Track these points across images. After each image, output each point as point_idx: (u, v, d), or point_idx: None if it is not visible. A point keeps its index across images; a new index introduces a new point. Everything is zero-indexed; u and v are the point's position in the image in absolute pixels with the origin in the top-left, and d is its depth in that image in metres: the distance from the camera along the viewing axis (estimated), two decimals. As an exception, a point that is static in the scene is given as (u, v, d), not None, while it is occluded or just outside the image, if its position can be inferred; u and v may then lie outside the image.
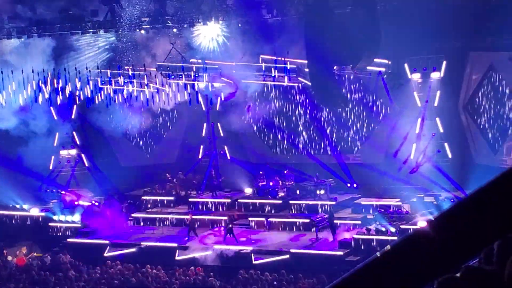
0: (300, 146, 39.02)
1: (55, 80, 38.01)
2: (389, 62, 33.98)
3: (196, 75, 37.51)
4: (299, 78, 35.97)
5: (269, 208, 35.17)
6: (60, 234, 35.83)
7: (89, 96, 38.81)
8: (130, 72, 38.16)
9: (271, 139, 40.06)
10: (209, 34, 36.59)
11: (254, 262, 30.57)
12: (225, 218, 34.33)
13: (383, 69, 34.05)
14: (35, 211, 37.34)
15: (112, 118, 39.82)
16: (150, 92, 38.39)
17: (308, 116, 38.44)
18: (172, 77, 37.77)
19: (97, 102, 39.21)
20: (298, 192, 35.83)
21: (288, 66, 35.28)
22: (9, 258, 33.60)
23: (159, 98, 38.57)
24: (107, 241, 33.90)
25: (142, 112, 39.70)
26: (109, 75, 38.46)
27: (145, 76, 37.80)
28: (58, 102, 39.27)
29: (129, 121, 39.99)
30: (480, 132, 34.57)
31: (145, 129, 41.23)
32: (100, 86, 38.63)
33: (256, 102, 38.65)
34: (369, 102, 36.60)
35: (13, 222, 37.41)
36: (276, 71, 35.77)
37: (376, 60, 33.15)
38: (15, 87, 37.78)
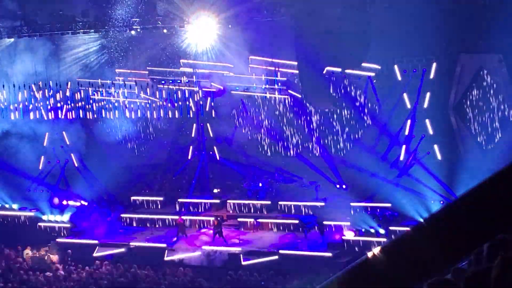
0: (290, 147, 38.98)
1: (46, 84, 38.00)
2: (379, 67, 34.02)
3: (187, 81, 37.60)
4: (289, 91, 36.08)
5: (258, 209, 35.15)
6: (48, 233, 35.73)
7: (81, 103, 38.95)
8: (122, 85, 38.36)
9: (260, 140, 40.00)
10: (199, 36, 36.53)
11: (243, 263, 30.55)
12: (214, 218, 34.28)
13: (372, 74, 34.09)
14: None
15: (102, 119, 39.77)
16: (140, 103, 38.62)
17: (297, 117, 38.42)
18: (162, 82, 37.82)
19: (88, 106, 39.27)
20: (287, 193, 35.81)
21: (278, 77, 35.52)
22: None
23: (150, 109, 38.78)
24: (96, 241, 33.88)
25: (132, 114, 39.65)
26: (99, 88, 38.56)
27: (135, 87, 37.94)
28: (49, 106, 39.23)
29: (119, 122, 39.93)
30: (470, 134, 34.60)
31: (135, 129, 41.13)
32: (91, 97, 38.92)
33: (246, 103, 38.65)
34: (359, 103, 36.59)
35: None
36: (266, 85, 36.01)
37: (365, 64, 33.16)
38: (6, 88, 37.68)
